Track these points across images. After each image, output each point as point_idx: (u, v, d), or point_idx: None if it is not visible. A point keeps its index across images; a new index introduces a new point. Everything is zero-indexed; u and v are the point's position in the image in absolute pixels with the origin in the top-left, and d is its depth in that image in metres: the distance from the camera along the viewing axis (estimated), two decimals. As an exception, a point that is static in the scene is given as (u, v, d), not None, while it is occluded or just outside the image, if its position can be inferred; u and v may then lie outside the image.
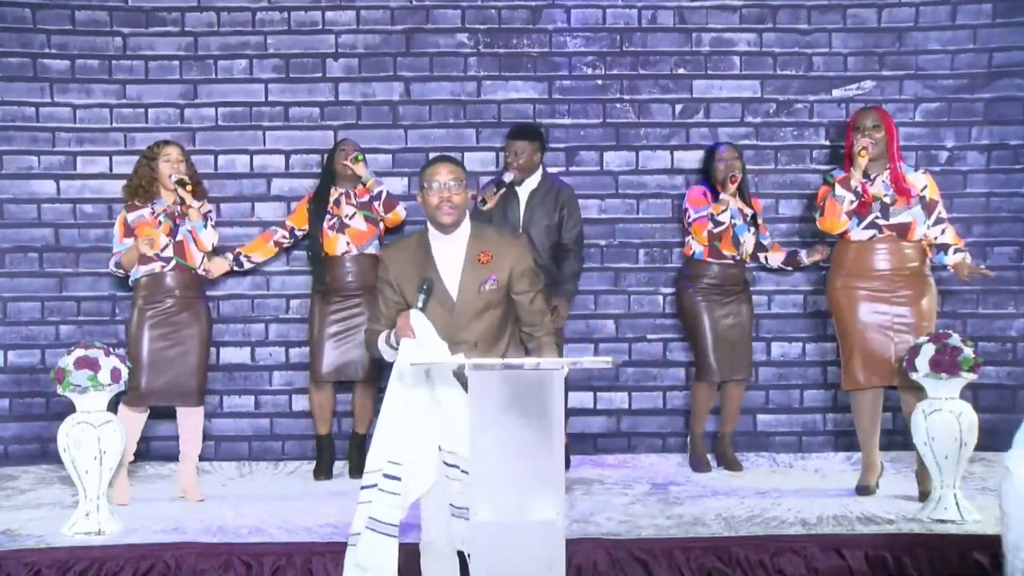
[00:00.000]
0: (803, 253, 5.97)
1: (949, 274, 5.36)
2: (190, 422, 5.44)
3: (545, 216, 5.68)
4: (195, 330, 5.41)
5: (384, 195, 5.82)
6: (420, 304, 3.85)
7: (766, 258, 6.04)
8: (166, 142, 5.52)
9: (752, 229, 5.88)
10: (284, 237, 5.98)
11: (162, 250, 5.36)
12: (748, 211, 5.88)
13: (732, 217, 5.80)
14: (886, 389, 5.27)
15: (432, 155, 6.26)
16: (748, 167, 6.07)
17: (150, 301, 5.36)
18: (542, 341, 4.10)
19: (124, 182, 5.55)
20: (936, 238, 5.22)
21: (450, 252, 4.01)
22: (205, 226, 5.45)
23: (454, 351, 3.86)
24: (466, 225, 4.05)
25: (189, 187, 5.37)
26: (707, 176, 5.94)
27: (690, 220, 5.87)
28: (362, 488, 3.79)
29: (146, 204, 5.39)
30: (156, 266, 5.37)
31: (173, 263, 5.38)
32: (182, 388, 5.36)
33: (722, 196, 5.76)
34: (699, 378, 5.95)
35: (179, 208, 5.40)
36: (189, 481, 5.39)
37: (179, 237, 5.40)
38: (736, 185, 5.75)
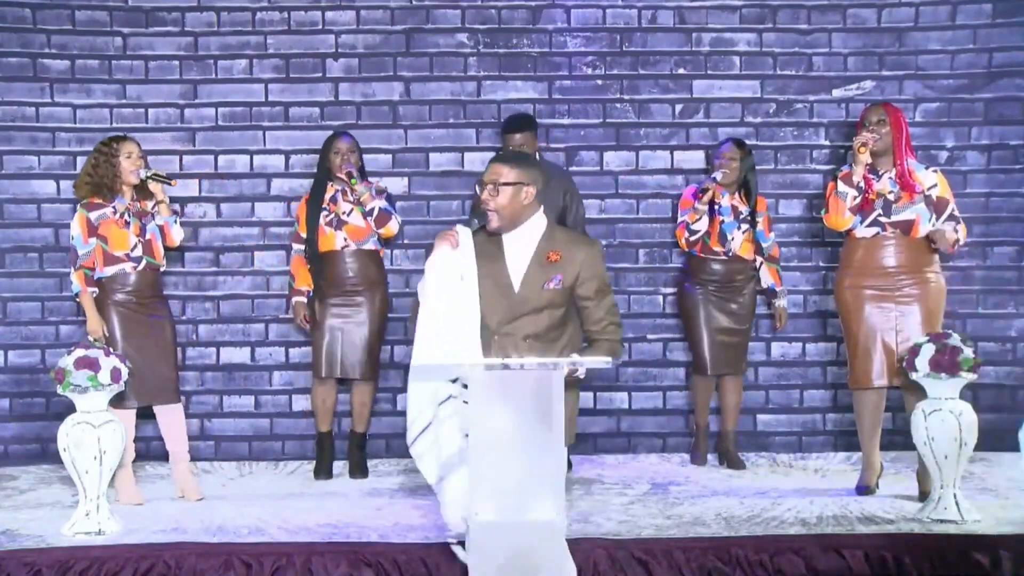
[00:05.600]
0: (782, 300, 6.04)
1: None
2: (172, 419, 5.37)
3: (551, 204, 5.62)
4: (164, 328, 5.36)
5: (376, 211, 5.74)
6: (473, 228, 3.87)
7: (760, 264, 6.01)
8: (124, 138, 5.40)
9: (744, 227, 5.88)
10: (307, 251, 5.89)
11: (132, 249, 5.27)
12: (744, 208, 5.89)
13: (722, 215, 5.83)
14: (889, 389, 5.27)
15: (433, 155, 6.40)
16: (748, 167, 6.07)
17: (119, 301, 5.26)
18: (597, 340, 4.08)
19: (76, 180, 5.39)
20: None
21: (519, 246, 3.99)
22: (175, 221, 5.41)
23: (506, 342, 3.85)
24: (540, 222, 4.02)
25: (173, 182, 5.33)
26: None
27: (677, 222, 5.98)
28: (413, 441, 3.87)
29: (107, 202, 5.27)
30: (127, 266, 5.27)
31: (144, 263, 5.30)
32: (162, 386, 5.30)
33: (697, 205, 5.78)
34: (694, 371, 6.04)
35: (139, 205, 5.32)
36: (186, 481, 5.36)
37: (147, 236, 5.32)
38: (709, 195, 5.76)
